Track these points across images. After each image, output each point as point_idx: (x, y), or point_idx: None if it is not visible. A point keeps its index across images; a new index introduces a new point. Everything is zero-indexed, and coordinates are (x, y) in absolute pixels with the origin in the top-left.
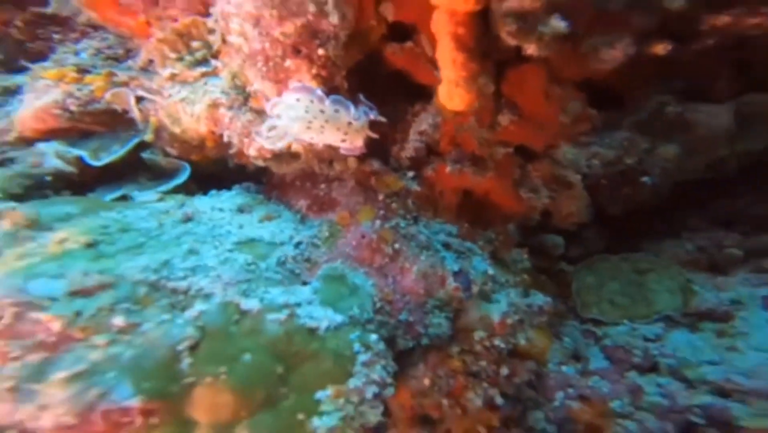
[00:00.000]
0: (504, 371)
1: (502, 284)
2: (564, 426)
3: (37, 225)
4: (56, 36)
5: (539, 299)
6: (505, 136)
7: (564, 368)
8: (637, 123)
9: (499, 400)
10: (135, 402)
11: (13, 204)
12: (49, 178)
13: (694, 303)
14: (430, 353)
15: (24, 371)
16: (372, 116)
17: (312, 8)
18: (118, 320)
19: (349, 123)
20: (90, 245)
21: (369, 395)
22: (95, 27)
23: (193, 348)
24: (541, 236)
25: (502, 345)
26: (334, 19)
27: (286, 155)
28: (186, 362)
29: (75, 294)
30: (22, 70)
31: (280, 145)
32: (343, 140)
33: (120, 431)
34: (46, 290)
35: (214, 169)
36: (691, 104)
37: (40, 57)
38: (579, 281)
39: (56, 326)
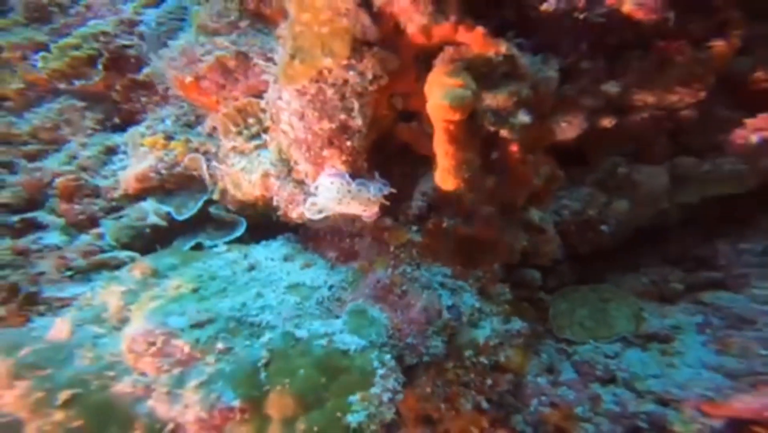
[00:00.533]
0: (488, 381)
1: (487, 313)
2: (538, 428)
3: (157, 274)
4: (143, 99)
5: (517, 324)
6: (489, 196)
7: (539, 379)
8: (596, 180)
9: (485, 405)
10: (236, 403)
11: (131, 254)
12: (147, 230)
13: (643, 327)
14: (430, 367)
15: (172, 380)
16: (385, 191)
17: (343, 114)
18: (220, 345)
19: (369, 199)
20: (195, 290)
21: (385, 399)
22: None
23: (266, 365)
24: (523, 270)
25: (486, 361)
26: (358, 121)
27: None
28: (263, 374)
29: (194, 326)
30: (115, 128)
31: (318, 216)
32: (364, 210)
33: (228, 422)
34: (177, 323)
35: (261, 220)
36: (636, 165)
37: (129, 116)
38: (555, 307)
39: (186, 348)
